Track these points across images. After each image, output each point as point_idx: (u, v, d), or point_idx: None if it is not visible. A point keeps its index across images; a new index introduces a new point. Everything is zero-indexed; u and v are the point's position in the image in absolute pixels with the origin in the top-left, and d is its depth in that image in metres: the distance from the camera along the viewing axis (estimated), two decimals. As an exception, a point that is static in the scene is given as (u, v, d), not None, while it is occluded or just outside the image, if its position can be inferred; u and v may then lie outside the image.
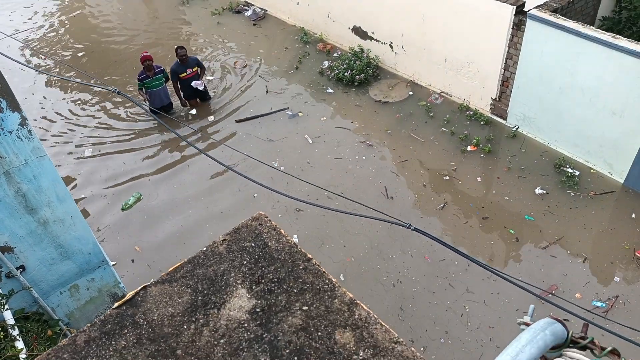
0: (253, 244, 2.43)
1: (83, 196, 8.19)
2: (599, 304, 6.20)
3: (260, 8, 12.71)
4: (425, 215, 7.50)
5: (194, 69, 9.34)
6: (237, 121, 9.39)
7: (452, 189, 7.84)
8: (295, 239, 7.24)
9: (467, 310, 6.35)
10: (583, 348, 1.61)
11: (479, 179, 7.95)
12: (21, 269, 4.12)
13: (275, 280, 2.26)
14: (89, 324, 2.16)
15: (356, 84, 9.90)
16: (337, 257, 7.01)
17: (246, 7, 12.85)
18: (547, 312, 6.04)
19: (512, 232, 7.16)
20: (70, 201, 4.30)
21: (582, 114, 7.49)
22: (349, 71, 9.95)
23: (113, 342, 2.06)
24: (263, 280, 2.25)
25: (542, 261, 6.78)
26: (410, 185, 7.96)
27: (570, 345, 1.61)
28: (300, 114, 9.51)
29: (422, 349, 5.98)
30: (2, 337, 3.36)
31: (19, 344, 3.42)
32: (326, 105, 9.67)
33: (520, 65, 7.94)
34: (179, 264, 2.39)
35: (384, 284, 6.67)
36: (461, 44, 8.63)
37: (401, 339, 2.01)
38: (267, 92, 10.11)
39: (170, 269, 2.37)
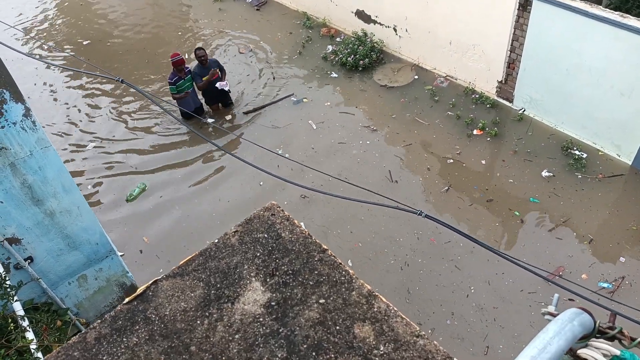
0: (266, 235, 2.36)
1: (89, 187, 8.21)
2: (605, 285, 6.19)
3: (262, -7, 12.59)
4: (429, 198, 7.49)
5: (216, 71, 8.95)
6: (245, 113, 9.28)
7: (456, 172, 7.80)
8: (302, 227, 7.23)
9: (473, 291, 6.37)
10: (611, 338, 1.55)
11: (483, 162, 7.91)
12: (29, 260, 4.15)
13: (290, 272, 2.19)
14: (99, 321, 2.11)
15: (360, 68, 9.82)
16: (345, 243, 7.01)
17: (248, -8, 12.74)
18: (554, 293, 6.05)
19: (517, 214, 7.14)
20: (76, 192, 4.31)
21: (590, 95, 7.41)
22: (353, 56, 9.86)
23: (124, 339, 2.01)
24: (277, 273, 2.18)
25: (548, 243, 6.76)
26: (414, 169, 7.93)
27: (597, 335, 1.56)
28: (304, 100, 9.46)
29: (429, 331, 6.01)
30: (12, 328, 3.39)
31: (29, 335, 3.45)
32: (330, 91, 9.62)
33: (526, 46, 7.84)
34: (190, 256, 2.33)
35: (392, 268, 6.68)
36: (466, 27, 8.52)
37: (422, 332, 1.96)
38: (273, 78, 10.05)
39: (181, 262, 2.32)
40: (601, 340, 1.53)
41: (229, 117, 9.29)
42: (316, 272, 2.18)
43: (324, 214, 7.35)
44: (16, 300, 3.72)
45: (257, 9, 12.17)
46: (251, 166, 4.02)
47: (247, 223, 2.45)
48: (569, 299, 6.08)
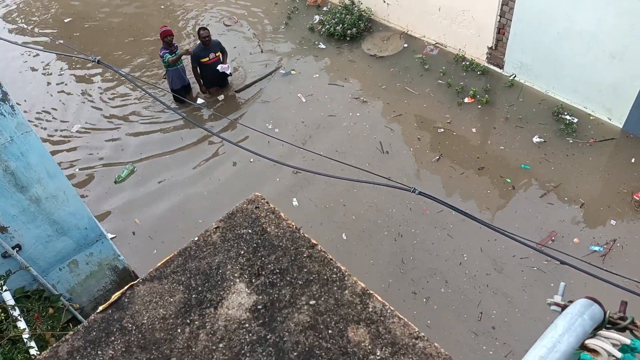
0: (250, 231, 2.19)
1: (77, 170, 8.12)
2: (596, 248, 6.23)
3: (246, -37, 12.27)
4: (421, 168, 7.47)
5: (217, 54, 8.57)
6: (237, 91, 9.06)
7: (447, 141, 7.77)
8: (295, 203, 7.22)
9: (465, 258, 6.41)
10: (623, 329, 1.44)
11: (474, 130, 7.87)
12: (17, 248, 4.10)
13: (277, 271, 2.03)
14: (71, 332, 1.94)
15: (348, 38, 9.65)
16: (338, 216, 7.01)
17: (232, -37, 12.41)
18: (545, 258, 6.10)
19: (509, 181, 7.14)
20: (61, 176, 4.24)
21: (581, 59, 7.33)
22: (340, 25, 9.69)
23: (99, 352, 1.86)
24: (263, 272, 2.03)
25: (539, 208, 6.78)
26: (405, 140, 7.88)
27: (608, 326, 1.44)
28: (293, 72, 9.33)
29: (424, 300, 6.07)
30: (3, 318, 3.36)
31: (21, 324, 3.42)
32: (319, 62, 9.48)
33: (516, 11, 7.71)
34: (168, 257, 2.16)
35: (385, 239, 6.70)
36: (455, -8, 8.37)
37: (422, 334, 1.83)
38: (261, 51, 9.88)
39: (159, 264, 2.15)
40: (611, 331, 1.43)
41: (221, 98, 9.07)
42: (305, 270, 2.05)
43: (316, 188, 7.33)
44: (5, 290, 3.68)
45: (241, -20, 11.88)
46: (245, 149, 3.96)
47: (229, 218, 2.28)
48: (561, 262, 6.14)
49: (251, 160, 7.85)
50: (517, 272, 6.20)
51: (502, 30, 8.17)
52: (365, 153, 7.74)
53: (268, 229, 2.22)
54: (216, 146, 8.19)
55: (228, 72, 8.68)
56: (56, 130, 8.81)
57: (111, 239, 7.03)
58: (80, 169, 8.11)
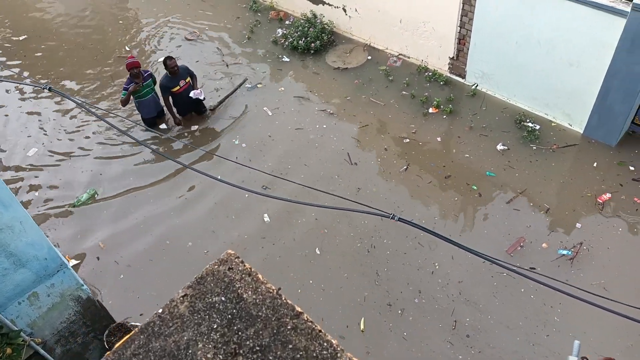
0: (224, 298, 1.91)
1: (36, 195, 7.78)
2: (564, 252, 6.33)
3: (206, -22, 12.18)
4: (389, 178, 7.47)
5: (187, 80, 8.27)
6: (212, 109, 8.73)
7: (413, 151, 7.81)
8: (266, 218, 7.10)
9: (437, 267, 6.41)
10: None
11: (439, 139, 7.94)
12: (-30, 284, 3.82)
13: (258, 348, 1.73)
14: None
15: (312, 51, 9.65)
16: (310, 230, 6.94)
17: (191, -22, 12.29)
18: (516, 263, 6.15)
19: (475, 188, 7.21)
20: (17, 206, 3.97)
21: (540, 66, 7.52)
22: (304, 38, 9.69)
23: None
24: (241, 351, 1.73)
25: (506, 214, 6.86)
26: (372, 150, 7.89)
27: None
28: (259, 86, 9.25)
29: (399, 312, 6.01)
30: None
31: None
32: (283, 75, 9.43)
33: (475, 21, 7.88)
34: (128, 336, 1.88)
35: (359, 251, 6.64)
36: (415, 3, 8.49)
37: None
38: (227, 65, 9.75)
39: (117, 345, 1.86)
40: None
41: (195, 128, 8.65)
42: (290, 345, 1.75)
43: (287, 202, 7.20)
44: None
45: (201, -5, 11.78)
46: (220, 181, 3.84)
47: (198, 283, 1.97)
48: (531, 268, 6.21)
49: (219, 176, 7.69)
50: (487, 278, 6.23)
51: (462, 41, 8.32)
52: (333, 165, 7.70)
53: (244, 295, 1.92)
54: (177, 166, 7.96)
55: (201, 97, 8.37)
56: (13, 159, 8.43)
57: (74, 266, 6.76)
58: (38, 196, 7.77)
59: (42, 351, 4.49)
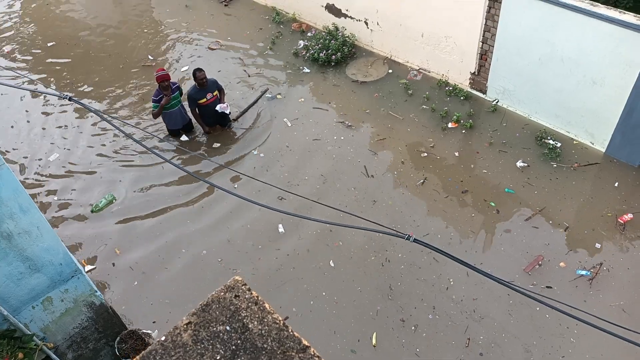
0: (228, 328, 1.85)
1: (55, 199, 7.90)
2: (583, 272, 6.20)
3: (230, -11, 12.35)
4: (406, 191, 7.42)
5: (214, 93, 8.23)
6: (235, 120, 8.76)
7: (430, 165, 7.76)
8: (281, 229, 7.10)
9: (452, 283, 6.33)
10: None
11: (457, 154, 7.88)
12: (-14, 287, 3.89)
13: None
14: None
15: (333, 63, 9.69)
16: (325, 242, 6.92)
17: (216, -11, 12.48)
18: (532, 282, 6.04)
19: (493, 204, 7.12)
20: (35, 211, 4.03)
21: (562, 84, 7.43)
22: (325, 51, 9.73)
23: None
24: None
25: (524, 232, 6.76)
26: (389, 163, 7.86)
27: None
28: (278, 96, 9.31)
29: (413, 328, 5.95)
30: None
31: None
32: (303, 86, 9.48)
33: (498, 37, 7.83)
34: None
35: (373, 265, 6.60)
36: (437, 18, 8.48)
37: None
38: (248, 75, 9.84)
39: None
40: None
41: (217, 145, 8.59)
42: None
43: (300, 212, 7.19)
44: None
45: (225, 5, 11.94)
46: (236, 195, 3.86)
47: (203, 310, 1.92)
48: (547, 287, 6.10)
49: (235, 186, 7.76)
50: (503, 296, 6.12)
51: (484, 56, 8.27)
52: (350, 177, 7.68)
53: (250, 325, 1.85)
54: (204, 185, 7.97)
55: (227, 111, 8.33)
56: (34, 164, 8.57)
57: (89, 271, 6.84)
58: (57, 200, 7.89)
59: (53, 356, 4.53)
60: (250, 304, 1.93)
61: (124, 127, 8.86)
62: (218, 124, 8.67)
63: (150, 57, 10.68)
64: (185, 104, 8.46)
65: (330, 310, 6.22)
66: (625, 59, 6.57)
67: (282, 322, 1.87)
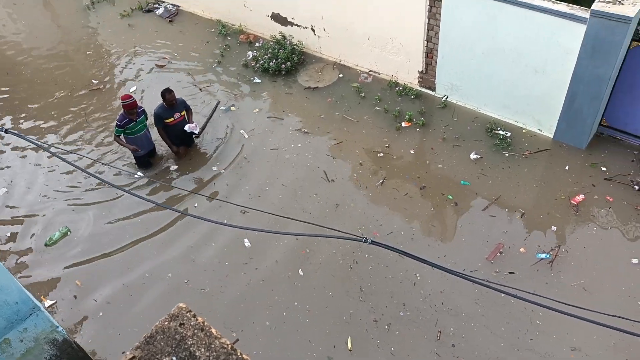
0: (174, 358, 1.80)
1: (3, 236, 7.62)
2: (543, 255, 6.41)
3: (172, 4, 12.22)
4: (367, 192, 7.51)
5: (182, 113, 8.02)
6: (196, 136, 8.48)
7: (387, 164, 7.88)
8: (247, 243, 7.05)
9: (419, 278, 6.44)
10: None
11: (412, 152, 8.03)
12: None
13: None
14: None
15: (283, 72, 9.72)
16: (292, 251, 6.92)
17: (157, 5, 12.32)
18: (495, 269, 6.21)
19: (451, 197, 7.29)
20: None
21: (507, 75, 7.68)
22: (274, 60, 9.75)
23: None
24: None
25: (483, 222, 6.95)
26: (348, 166, 7.94)
27: None
28: (232, 108, 9.26)
29: (386, 327, 6.01)
30: None
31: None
32: (257, 97, 9.47)
33: (441, 35, 8.03)
34: None
35: (342, 269, 6.64)
36: (382, 21, 8.63)
37: None
38: (200, 90, 9.74)
39: None
40: None
41: (174, 168, 8.41)
42: None
43: (265, 225, 7.16)
44: None
45: (169, 21, 11.80)
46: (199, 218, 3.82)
47: (147, 343, 1.86)
48: (510, 273, 6.28)
49: (195, 205, 7.68)
50: (468, 285, 6.24)
51: (430, 55, 8.47)
52: (311, 183, 7.71)
53: (197, 353, 1.81)
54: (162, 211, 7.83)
55: (196, 131, 8.12)
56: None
57: (49, 306, 6.61)
58: (7, 236, 7.61)
59: None
60: (196, 331, 1.89)
61: (78, 159, 8.57)
62: (184, 145, 8.42)
63: (94, 81, 10.40)
64: (151, 125, 8.18)
65: (304, 319, 6.22)
66: (563, 46, 6.86)
67: (230, 346, 1.83)
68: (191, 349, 1.81)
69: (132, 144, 7.96)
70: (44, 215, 7.83)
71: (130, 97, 7.68)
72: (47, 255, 7.29)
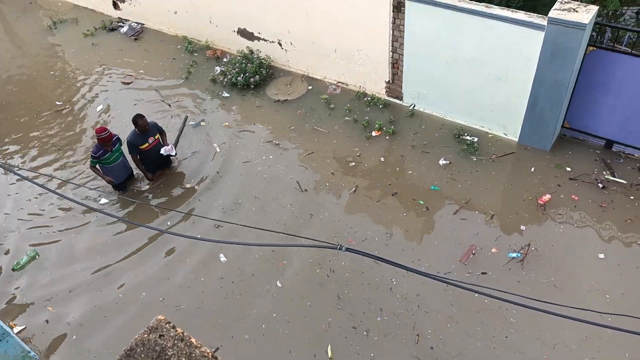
0: None
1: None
2: (514, 255, 6.58)
3: (136, 22, 12.16)
4: (340, 200, 7.59)
5: (156, 137, 7.85)
6: (174, 156, 8.32)
7: (359, 172, 7.99)
8: (223, 258, 7.01)
9: (394, 283, 6.52)
10: None
11: (382, 159, 8.15)
12: None
13: None
14: None
15: (252, 86, 9.76)
16: (269, 263, 6.92)
17: (121, 24, 12.25)
18: (468, 270, 6.34)
19: (422, 202, 7.42)
20: None
21: (470, 83, 7.91)
22: (242, 74, 9.80)
23: None
24: None
25: (454, 225, 7.09)
26: (320, 176, 8.02)
27: None
28: (202, 123, 9.25)
29: (365, 333, 6.05)
30: None
31: None
32: (226, 111, 9.49)
33: (406, 45, 8.23)
34: None
35: (319, 278, 6.67)
36: (347, 33, 8.79)
37: None
38: (169, 105, 9.70)
39: None
40: None
41: (146, 185, 8.32)
42: None
43: (241, 238, 7.15)
44: None
45: (134, 39, 11.74)
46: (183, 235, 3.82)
47: (128, 356, 1.86)
48: (482, 273, 6.42)
49: (168, 223, 7.62)
50: (442, 287, 6.36)
51: (396, 65, 8.65)
52: (284, 194, 7.75)
53: None
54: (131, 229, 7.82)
55: (173, 153, 7.99)
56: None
57: (19, 332, 6.42)
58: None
59: None
60: (176, 342, 1.90)
61: (47, 181, 8.44)
62: (164, 167, 8.31)
63: (57, 102, 10.23)
64: (126, 151, 7.97)
65: (283, 330, 6.21)
66: (524, 53, 7.12)
67: (210, 354, 1.85)
68: (172, 359, 1.82)
69: (108, 173, 7.77)
70: (7, 239, 7.63)
71: (105, 130, 7.48)
72: (14, 279, 7.11)
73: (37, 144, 9.38)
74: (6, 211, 8.11)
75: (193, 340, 1.89)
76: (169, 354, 1.84)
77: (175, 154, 8.16)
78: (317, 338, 6.10)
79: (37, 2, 13.77)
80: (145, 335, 1.92)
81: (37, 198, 8.26)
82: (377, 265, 6.65)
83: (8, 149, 9.34)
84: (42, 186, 5.51)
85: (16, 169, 8.58)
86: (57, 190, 7.89)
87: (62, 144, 9.26)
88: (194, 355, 1.82)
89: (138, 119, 7.60)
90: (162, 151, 7.91)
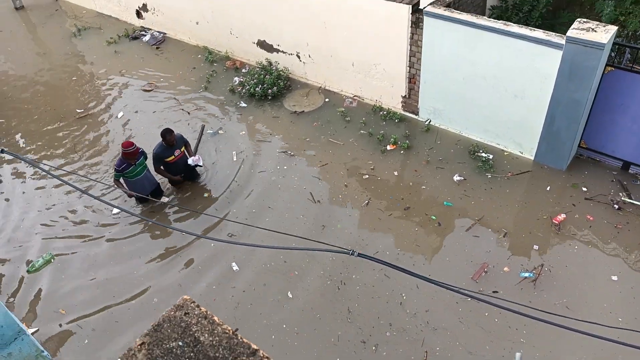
0: (181, 343, 1.94)
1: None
2: (526, 274, 6.52)
3: (158, 32, 12.40)
4: (352, 213, 7.60)
5: (182, 150, 7.93)
6: (200, 166, 8.22)
7: (372, 185, 8.00)
8: (235, 267, 7.06)
9: (404, 298, 6.49)
10: None
11: (396, 174, 8.16)
12: None
13: None
14: None
15: (270, 97, 9.87)
16: (280, 274, 6.95)
17: (144, 32, 12.50)
18: (479, 288, 6.29)
19: (434, 218, 7.40)
20: None
21: (487, 100, 7.91)
22: (261, 85, 9.91)
23: None
24: None
25: (466, 242, 7.05)
26: (333, 188, 8.04)
27: None
28: (220, 132, 9.36)
29: (373, 348, 6.03)
30: None
31: None
32: (244, 120, 9.59)
33: (423, 61, 8.27)
34: None
35: (330, 290, 6.67)
36: (365, 47, 8.86)
37: None
38: (189, 113, 9.85)
39: None
40: None
41: (167, 198, 8.35)
42: None
43: (253, 249, 7.19)
44: None
45: (156, 48, 11.95)
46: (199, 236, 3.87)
47: (155, 330, 2.01)
48: (494, 292, 6.37)
49: (183, 234, 7.70)
50: (452, 304, 6.33)
51: (412, 80, 8.69)
52: (297, 205, 7.79)
53: (201, 338, 1.97)
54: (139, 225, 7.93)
55: (200, 163, 8.00)
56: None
57: (33, 333, 6.52)
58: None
59: None
60: (200, 319, 2.04)
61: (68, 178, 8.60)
62: (188, 180, 8.32)
63: (77, 110, 10.41)
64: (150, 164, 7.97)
65: (292, 342, 6.22)
66: (541, 71, 7.11)
67: (231, 331, 1.99)
68: (196, 334, 1.97)
69: (132, 188, 7.72)
70: (28, 243, 7.78)
71: (132, 144, 7.43)
72: (29, 282, 7.23)
73: (61, 150, 9.57)
74: (29, 215, 8.27)
75: (216, 318, 2.04)
76: (193, 329, 1.99)
77: (203, 164, 8.17)
78: (326, 351, 6.09)
79: (62, 10, 14.11)
80: (172, 313, 2.07)
81: (62, 203, 8.39)
82: (388, 279, 6.64)
83: (32, 153, 9.54)
84: (82, 190, 5.63)
85: (51, 169, 8.71)
86: (90, 192, 8.02)
87: (82, 149, 9.42)
88: (216, 331, 1.97)
89: (167, 134, 7.66)
90: (190, 161, 7.95)
